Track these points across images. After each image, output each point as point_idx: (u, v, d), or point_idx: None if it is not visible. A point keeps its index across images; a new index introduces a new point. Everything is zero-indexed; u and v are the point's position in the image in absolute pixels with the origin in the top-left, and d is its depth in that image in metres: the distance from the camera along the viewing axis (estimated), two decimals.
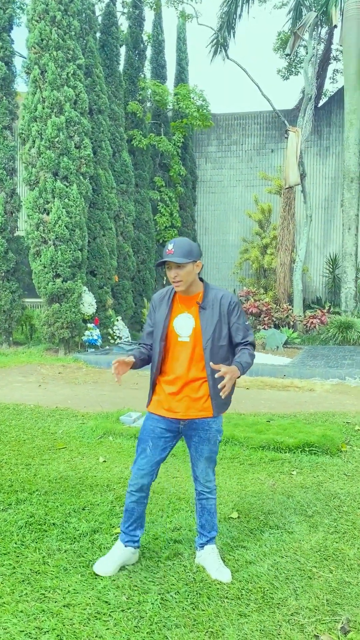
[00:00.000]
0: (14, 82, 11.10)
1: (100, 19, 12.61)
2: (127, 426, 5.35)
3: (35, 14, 9.84)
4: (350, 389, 7.55)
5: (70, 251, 9.84)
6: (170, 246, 2.60)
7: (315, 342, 12.19)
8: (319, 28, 15.47)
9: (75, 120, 9.96)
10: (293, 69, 17.94)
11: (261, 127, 17.03)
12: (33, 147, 9.89)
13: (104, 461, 4.49)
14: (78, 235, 9.99)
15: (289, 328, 12.69)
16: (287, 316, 12.91)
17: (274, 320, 12.84)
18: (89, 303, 10.49)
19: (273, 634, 2.29)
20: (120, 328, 11.88)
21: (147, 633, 2.27)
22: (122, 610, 2.42)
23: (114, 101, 12.27)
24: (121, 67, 13.06)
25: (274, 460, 4.49)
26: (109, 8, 12.50)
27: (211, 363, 2.59)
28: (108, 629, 2.30)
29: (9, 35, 10.98)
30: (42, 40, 9.77)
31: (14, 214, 11.01)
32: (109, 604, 2.46)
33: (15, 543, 3.03)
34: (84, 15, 11.05)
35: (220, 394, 2.50)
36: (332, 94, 17.08)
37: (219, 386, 2.50)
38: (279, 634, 2.29)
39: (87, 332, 10.44)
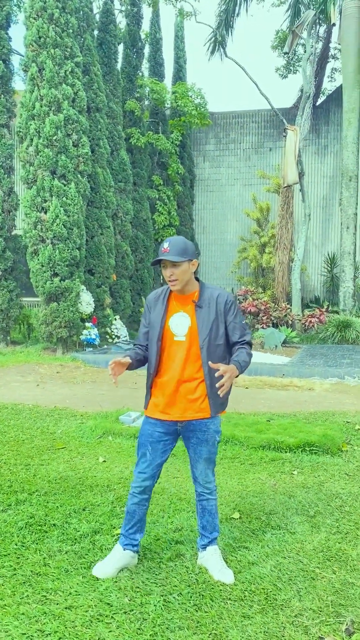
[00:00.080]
0: (12, 80, 11.04)
1: (98, 16, 12.56)
2: (126, 426, 5.33)
3: (33, 11, 9.78)
4: (350, 388, 7.54)
5: (68, 250, 9.80)
6: (165, 245, 2.59)
7: (314, 341, 12.19)
8: (317, 26, 15.45)
9: (73, 118, 9.92)
10: (291, 68, 17.93)
11: (259, 126, 17.01)
12: (31, 145, 9.84)
13: (104, 461, 4.47)
14: (76, 234, 9.95)
15: (287, 327, 12.68)
16: (286, 315, 12.90)
17: (273, 319, 12.83)
18: (87, 302, 10.46)
19: (277, 635, 2.27)
20: (119, 327, 11.85)
21: (150, 635, 2.25)
22: (125, 612, 2.39)
23: (112, 99, 12.23)
24: (119, 65, 13.02)
25: (275, 460, 4.47)
26: (106, 6, 12.45)
27: (210, 362, 2.56)
28: (111, 631, 2.27)
29: (7, 33, 10.93)
30: (39, 37, 9.72)
31: (11, 213, 10.96)
32: (111, 606, 2.44)
33: (16, 544, 3.00)
34: (81, 12, 11.00)
35: (219, 392, 2.48)
36: (331, 92, 17.07)
37: (217, 385, 2.48)
38: (283, 636, 2.27)
39: (85, 332, 10.41)
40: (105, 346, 11.07)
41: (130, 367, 2.72)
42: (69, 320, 10.02)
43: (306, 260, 15.92)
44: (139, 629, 2.29)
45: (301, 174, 13.79)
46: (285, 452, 4.64)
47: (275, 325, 12.77)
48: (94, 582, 2.63)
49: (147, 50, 15.01)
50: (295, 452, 4.63)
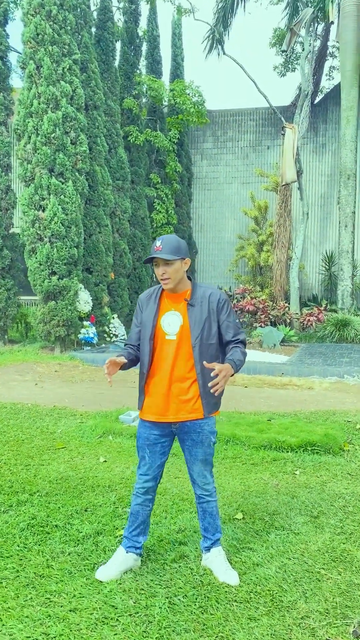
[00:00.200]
0: (9, 78, 10.98)
1: (95, 14, 12.50)
2: (126, 425, 5.30)
3: (30, 8, 9.72)
4: (349, 387, 7.53)
5: (66, 248, 9.76)
6: (158, 243, 2.57)
7: (312, 339, 12.18)
8: (316, 24, 15.41)
9: (71, 116, 9.87)
10: (289, 66, 17.88)
11: (257, 124, 16.98)
12: (29, 143, 9.79)
13: (105, 461, 4.44)
14: (74, 232, 9.91)
15: (285, 326, 12.67)
16: (284, 314, 12.89)
17: (271, 317, 12.82)
18: (85, 301, 10.42)
19: (284, 638, 2.25)
20: (117, 326, 11.81)
21: (156, 638, 2.23)
22: (130, 615, 2.37)
23: (110, 97, 12.18)
24: (117, 63, 12.96)
25: (277, 460, 4.45)
26: (104, 3, 12.39)
27: (204, 362, 2.54)
28: (116, 634, 2.25)
29: (4, 30, 10.87)
30: (37, 34, 9.66)
31: (9, 211, 10.90)
32: (116, 609, 2.41)
33: (18, 546, 2.98)
34: (79, 10, 10.94)
35: (212, 390, 2.45)
36: (329, 90, 17.05)
37: (210, 384, 2.45)
38: (290, 639, 2.25)
39: (83, 330, 10.37)
40: (103, 345, 11.04)
41: (124, 367, 2.70)
42: (67, 319, 9.98)
43: (304, 259, 15.91)
44: (144, 631, 2.27)
45: (299, 172, 13.77)
46: (287, 451, 4.63)
47: (273, 324, 12.76)
48: (98, 584, 2.61)
49: (144, 47, 14.96)
50: (296, 451, 4.61)
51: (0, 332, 11.10)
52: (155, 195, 14.41)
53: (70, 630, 2.26)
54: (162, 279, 2.61)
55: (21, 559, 2.84)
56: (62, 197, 9.72)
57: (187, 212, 16.42)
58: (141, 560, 2.81)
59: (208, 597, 2.51)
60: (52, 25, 9.70)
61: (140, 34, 14.41)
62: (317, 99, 16.80)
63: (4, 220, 10.74)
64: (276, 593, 2.56)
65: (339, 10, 13.47)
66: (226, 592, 2.56)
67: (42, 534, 3.11)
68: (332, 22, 14.70)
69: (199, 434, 2.67)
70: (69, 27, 9.99)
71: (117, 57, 13.11)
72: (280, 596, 2.54)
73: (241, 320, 13.19)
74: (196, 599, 2.50)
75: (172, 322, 2.65)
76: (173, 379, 2.64)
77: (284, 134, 13.62)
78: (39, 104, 9.66)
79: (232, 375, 2.54)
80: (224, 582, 2.63)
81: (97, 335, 10.82)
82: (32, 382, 7.79)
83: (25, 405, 6.27)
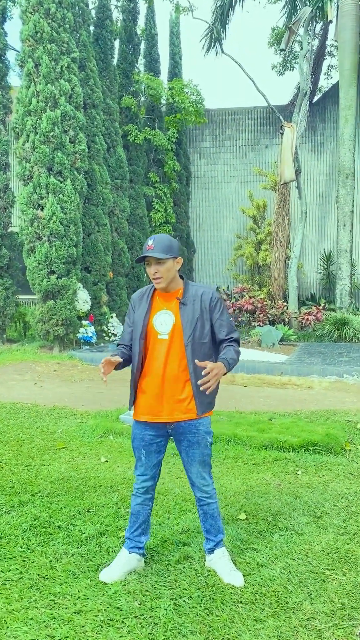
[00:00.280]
0: (8, 76, 10.94)
1: (93, 12, 12.46)
2: (127, 425, 5.28)
3: (29, 5, 9.68)
4: (349, 387, 7.53)
5: (64, 247, 9.73)
6: (150, 242, 2.56)
7: (311, 339, 12.18)
8: (314, 23, 15.38)
9: (70, 114, 9.84)
10: (288, 65, 17.86)
11: (255, 123, 16.96)
12: (27, 141, 9.76)
13: (106, 461, 4.43)
14: (73, 231, 9.88)
15: (284, 325, 12.66)
16: (282, 313, 12.89)
17: (269, 317, 12.81)
18: (83, 300, 10.40)
19: None
20: (115, 325, 11.79)
21: None
22: (135, 617, 2.36)
23: (109, 95, 12.14)
24: (115, 61, 12.92)
25: (278, 460, 4.45)
26: (102, 1, 12.34)
27: (196, 360, 2.52)
28: (122, 636, 2.24)
29: (2, 28, 10.83)
30: (36, 32, 9.62)
31: (7, 210, 10.86)
32: (121, 610, 2.40)
33: (21, 547, 2.96)
34: (77, 8, 10.90)
35: (202, 389, 2.42)
36: (327, 89, 17.04)
37: (199, 382, 2.42)
38: None
39: (81, 329, 10.35)
40: (102, 344, 11.02)
41: (119, 366, 2.69)
42: (66, 318, 9.96)
43: (303, 258, 15.91)
44: (150, 633, 2.25)
45: (298, 171, 13.76)
46: (289, 451, 4.62)
47: (272, 323, 12.76)
48: (102, 586, 2.59)
49: (142, 46, 14.91)
50: (298, 451, 4.61)
51: None
52: (153, 194, 14.38)
53: (76, 633, 2.25)
54: (154, 278, 2.60)
55: (24, 561, 2.82)
56: (60, 196, 9.70)
57: (186, 211, 16.40)
58: (145, 562, 2.80)
59: (213, 599, 2.50)
60: (50, 23, 9.67)
61: (139, 32, 14.37)
62: (316, 98, 16.79)
63: (2, 219, 10.71)
64: (281, 594, 2.55)
65: (337, 9, 13.45)
66: (231, 593, 2.55)
67: (45, 535, 3.09)
68: (331, 21, 14.68)
69: (195, 435, 2.66)
70: (67, 25, 9.96)
71: (116, 56, 13.07)
72: (286, 597, 2.53)
73: (239, 319, 13.18)
74: (201, 600, 2.49)
75: (164, 322, 2.63)
76: (166, 379, 2.62)
77: (282, 133, 13.60)
78: (38, 102, 9.62)
79: (225, 374, 2.52)
80: (229, 583, 2.62)
81: (96, 335, 10.79)
82: (31, 382, 7.76)
83: (25, 405, 6.25)
